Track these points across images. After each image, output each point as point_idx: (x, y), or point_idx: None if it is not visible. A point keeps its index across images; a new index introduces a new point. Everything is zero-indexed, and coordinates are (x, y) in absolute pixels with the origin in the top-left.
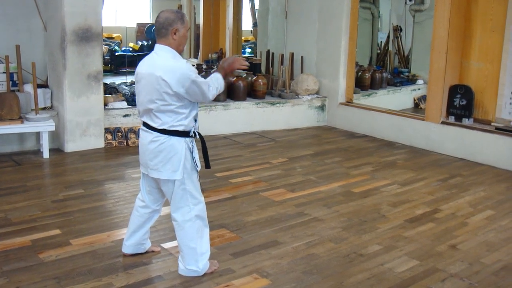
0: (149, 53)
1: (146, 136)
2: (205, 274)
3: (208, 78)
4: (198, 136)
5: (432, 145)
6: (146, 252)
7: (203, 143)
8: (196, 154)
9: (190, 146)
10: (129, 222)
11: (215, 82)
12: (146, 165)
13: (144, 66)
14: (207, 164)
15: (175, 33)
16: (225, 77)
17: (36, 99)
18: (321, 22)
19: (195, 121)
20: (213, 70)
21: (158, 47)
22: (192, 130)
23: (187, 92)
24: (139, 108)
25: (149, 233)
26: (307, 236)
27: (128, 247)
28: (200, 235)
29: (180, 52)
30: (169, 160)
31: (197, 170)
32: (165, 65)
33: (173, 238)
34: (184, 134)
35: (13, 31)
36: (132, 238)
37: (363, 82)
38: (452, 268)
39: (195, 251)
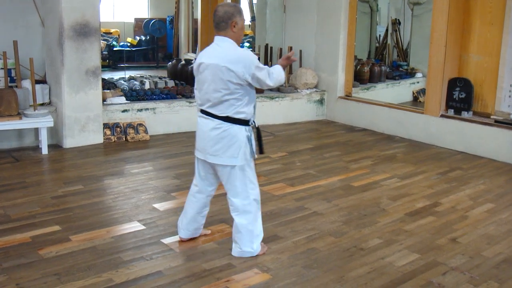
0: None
1: (207, 123)
2: (205, 270)
3: (271, 68)
4: (256, 125)
5: (431, 138)
6: (199, 236)
7: (258, 132)
8: (254, 142)
9: (249, 135)
10: (185, 208)
11: (276, 71)
12: (205, 151)
13: (206, 57)
14: (261, 150)
15: (234, 26)
16: (284, 68)
17: (34, 95)
18: (320, 16)
19: (254, 110)
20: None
21: (218, 38)
22: (252, 119)
23: (252, 78)
24: (201, 97)
25: (206, 218)
26: (307, 230)
27: (186, 232)
28: (256, 218)
29: (239, 42)
30: (230, 147)
31: (254, 157)
32: (229, 55)
33: (174, 233)
34: (244, 122)
35: (11, 27)
36: (192, 223)
37: (362, 76)
38: (452, 262)
39: (252, 233)
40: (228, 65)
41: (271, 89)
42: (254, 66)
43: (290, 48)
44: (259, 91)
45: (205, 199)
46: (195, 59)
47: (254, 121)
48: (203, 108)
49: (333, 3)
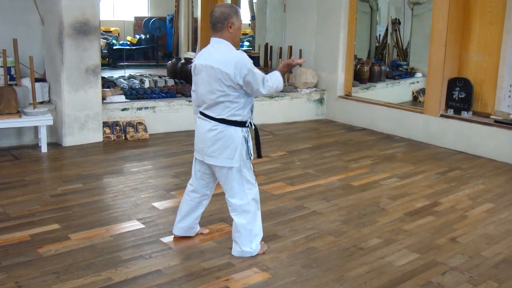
0: (205, 47)
1: (204, 125)
2: (205, 269)
3: (268, 74)
4: (253, 127)
5: (431, 138)
6: (196, 235)
7: (257, 134)
8: (251, 143)
9: (246, 136)
10: (180, 206)
11: (273, 78)
12: (203, 151)
13: (202, 58)
14: (258, 153)
15: (230, 27)
16: (283, 73)
17: (34, 93)
18: (320, 15)
19: (251, 112)
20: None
21: (214, 40)
22: (249, 120)
23: (244, 81)
24: (198, 98)
25: (200, 218)
26: (306, 229)
27: (179, 230)
28: (255, 217)
29: (235, 44)
30: (226, 148)
31: (251, 158)
32: (222, 57)
33: (172, 232)
34: (241, 124)
35: (11, 25)
36: (184, 221)
37: (362, 75)
38: (452, 261)
39: (251, 233)
40: (221, 67)
41: None
42: (246, 69)
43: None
44: None
45: (199, 199)
46: (194, 58)
47: (251, 123)
48: (200, 109)
49: (333, 3)
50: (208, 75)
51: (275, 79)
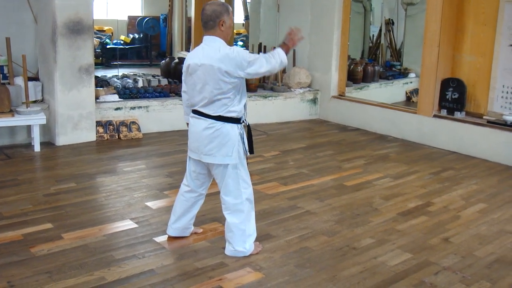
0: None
1: (199, 123)
2: (198, 268)
3: (267, 54)
4: (246, 123)
5: (424, 138)
6: (190, 235)
7: (249, 130)
8: (245, 140)
9: (241, 132)
10: (174, 206)
11: (276, 55)
12: (199, 150)
13: (196, 58)
14: (251, 149)
15: (222, 25)
16: (287, 51)
17: (27, 92)
18: (314, 15)
19: (244, 108)
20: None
21: (207, 38)
22: (243, 117)
23: (248, 73)
24: (193, 97)
25: (194, 218)
26: (299, 229)
27: (174, 230)
28: (248, 217)
29: (227, 41)
30: (223, 146)
31: (247, 156)
32: (220, 55)
33: (165, 232)
34: (236, 120)
35: (3, 24)
36: (179, 222)
37: (355, 75)
38: (445, 261)
39: (244, 232)
40: (220, 64)
41: (264, 88)
42: (247, 62)
43: None
44: (252, 90)
45: (194, 198)
46: (186, 57)
47: (245, 120)
48: (195, 108)
49: (327, 3)
50: (205, 73)
51: (280, 56)
